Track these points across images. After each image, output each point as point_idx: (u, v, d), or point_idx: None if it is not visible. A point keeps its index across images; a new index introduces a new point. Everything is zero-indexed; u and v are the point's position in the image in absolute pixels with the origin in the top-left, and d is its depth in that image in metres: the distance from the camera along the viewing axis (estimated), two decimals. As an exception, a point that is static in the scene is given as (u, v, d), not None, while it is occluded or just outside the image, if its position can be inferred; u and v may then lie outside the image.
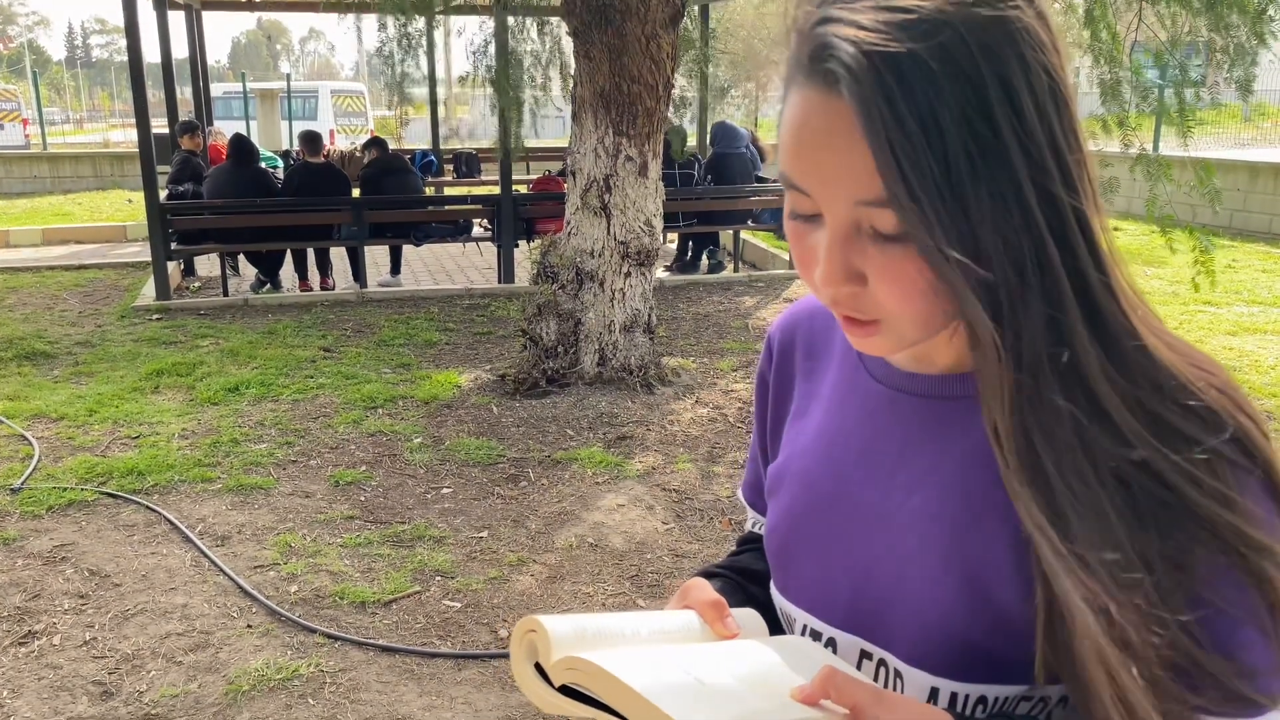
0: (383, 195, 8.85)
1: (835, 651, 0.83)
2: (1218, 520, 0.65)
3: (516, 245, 9.01)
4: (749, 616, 0.85)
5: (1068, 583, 0.65)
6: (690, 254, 10.06)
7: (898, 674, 0.79)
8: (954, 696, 0.75)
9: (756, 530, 1.05)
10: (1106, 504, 0.65)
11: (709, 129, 10.51)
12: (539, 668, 0.74)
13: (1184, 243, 5.58)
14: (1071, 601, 0.65)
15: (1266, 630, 0.67)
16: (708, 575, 0.97)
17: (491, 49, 7.35)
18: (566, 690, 0.72)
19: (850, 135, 0.64)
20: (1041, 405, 0.67)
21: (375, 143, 9.82)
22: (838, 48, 0.63)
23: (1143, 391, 0.67)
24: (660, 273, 8.62)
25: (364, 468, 4.82)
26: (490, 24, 7.49)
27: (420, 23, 7.11)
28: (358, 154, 9.47)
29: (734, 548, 1.08)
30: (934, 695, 0.76)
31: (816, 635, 0.84)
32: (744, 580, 0.98)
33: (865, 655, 0.81)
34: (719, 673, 0.71)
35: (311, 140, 9.03)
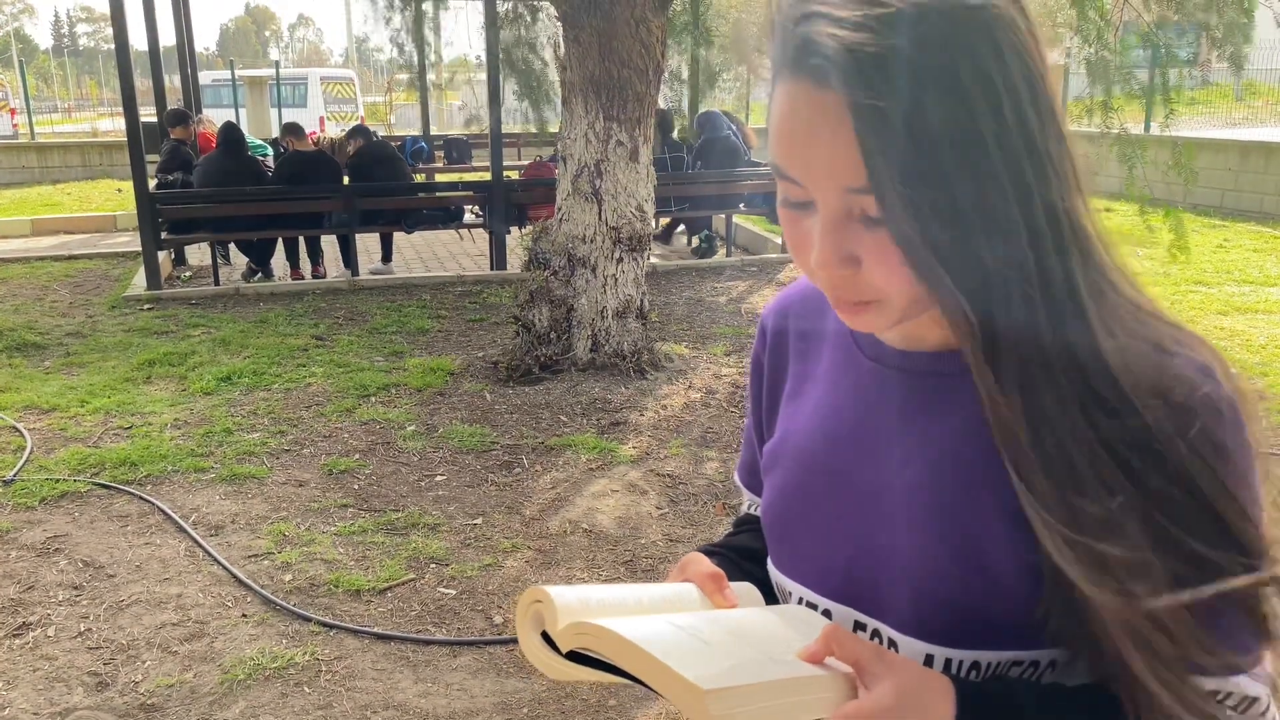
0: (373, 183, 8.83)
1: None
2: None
3: (508, 231, 8.98)
4: (746, 590, 0.87)
5: (1062, 562, 0.68)
6: (687, 237, 10.05)
7: (892, 643, 0.81)
8: (948, 662, 0.78)
9: (753, 513, 1.07)
10: (1089, 483, 0.68)
11: (697, 114, 10.49)
12: (545, 637, 0.77)
13: (1159, 222, 5.63)
14: (1071, 574, 0.68)
15: (1240, 603, 0.70)
16: (705, 554, 0.99)
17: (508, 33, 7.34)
18: (573, 657, 0.75)
19: (837, 127, 0.66)
20: (1023, 392, 0.70)
21: (360, 131, 9.76)
22: (822, 44, 0.65)
23: (1091, 402, 0.69)
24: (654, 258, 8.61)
25: (357, 456, 4.82)
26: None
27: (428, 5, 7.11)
28: (347, 146, 9.35)
29: (731, 529, 1.10)
30: (928, 662, 0.78)
31: (812, 608, 0.86)
32: (740, 559, 1.00)
33: (859, 626, 0.84)
34: (722, 634, 0.73)
35: (294, 130, 9.13)
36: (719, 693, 0.64)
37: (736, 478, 1.10)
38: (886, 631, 0.81)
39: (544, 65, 7.64)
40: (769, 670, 0.68)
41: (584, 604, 0.76)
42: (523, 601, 0.78)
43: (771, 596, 0.92)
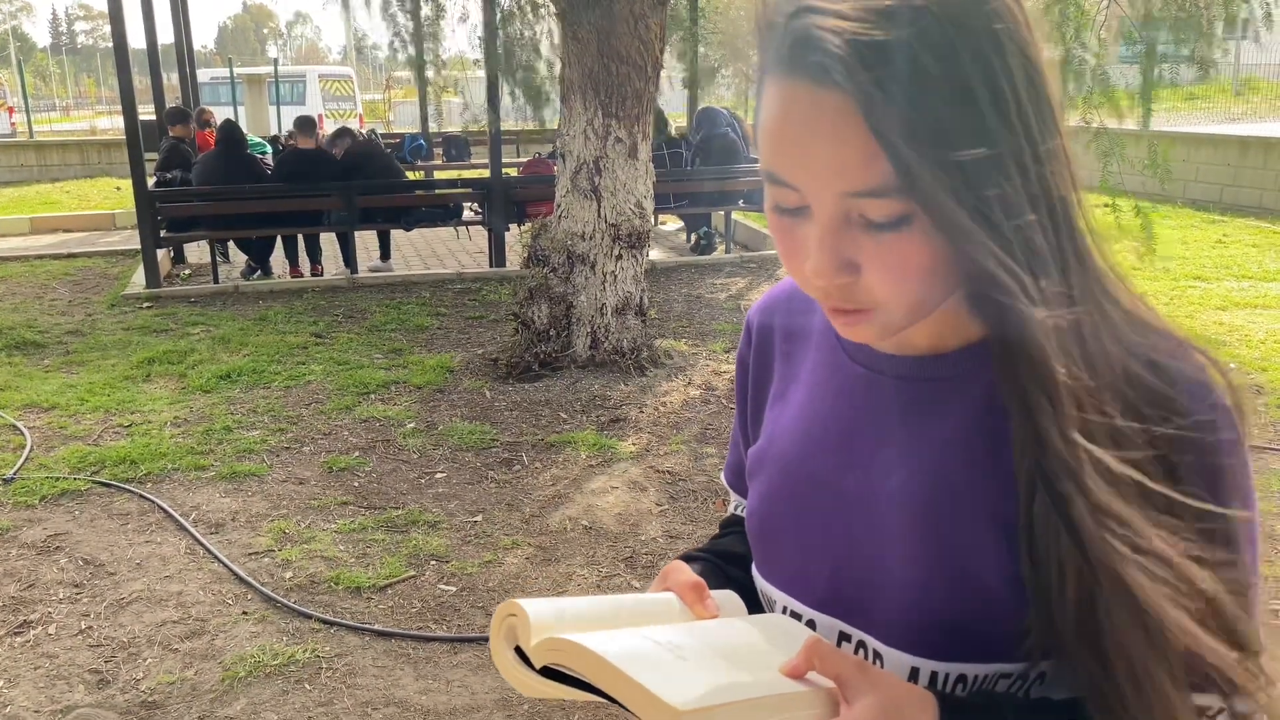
0: (369, 180, 8.81)
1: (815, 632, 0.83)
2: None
3: (507, 229, 8.98)
4: (728, 598, 0.85)
5: (1114, 552, 0.65)
6: (686, 234, 10.06)
7: (877, 655, 0.79)
8: (934, 676, 0.76)
9: (739, 513, 1.05)
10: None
11: (697, 111, 10.48)
12: (519, 652, 0.74)
13: (1133, 221, 5.62)
14: (1112, 566, 0.65)
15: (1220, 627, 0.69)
16: (688, 559, 0.97)
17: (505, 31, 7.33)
18: (547, 673, 0.72)
19: (841, 126, 0.63)
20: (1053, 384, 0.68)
21: (344, 132, 9.60)
22: (824, 39, 0.62)
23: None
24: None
25: (357, 453, 4.83)
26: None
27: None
28: (334, 149, 9.18)
29: (717, 531, 1.09)
30: (914, 675, 0.77)
31: (796, 617, 0.85)
32: (724, 563, 0.99)
33: (844, 637, 0.82)
34: (700, 649, 0.71)
35: (305, 125, 8.96)
36: (696, 713, 0.62)
37: (723, 478, 1.09)
38: (871, 643, 0.80)
39: (545, 63, 7.63)
40: (748, 688, 0.66)
41: (559, 618, 0.73)
42: (497, 615, 0.75)
43: (756, 601, 0.90)
